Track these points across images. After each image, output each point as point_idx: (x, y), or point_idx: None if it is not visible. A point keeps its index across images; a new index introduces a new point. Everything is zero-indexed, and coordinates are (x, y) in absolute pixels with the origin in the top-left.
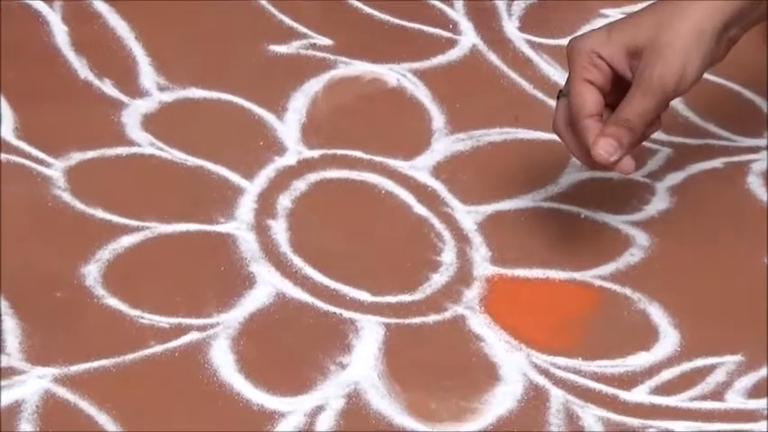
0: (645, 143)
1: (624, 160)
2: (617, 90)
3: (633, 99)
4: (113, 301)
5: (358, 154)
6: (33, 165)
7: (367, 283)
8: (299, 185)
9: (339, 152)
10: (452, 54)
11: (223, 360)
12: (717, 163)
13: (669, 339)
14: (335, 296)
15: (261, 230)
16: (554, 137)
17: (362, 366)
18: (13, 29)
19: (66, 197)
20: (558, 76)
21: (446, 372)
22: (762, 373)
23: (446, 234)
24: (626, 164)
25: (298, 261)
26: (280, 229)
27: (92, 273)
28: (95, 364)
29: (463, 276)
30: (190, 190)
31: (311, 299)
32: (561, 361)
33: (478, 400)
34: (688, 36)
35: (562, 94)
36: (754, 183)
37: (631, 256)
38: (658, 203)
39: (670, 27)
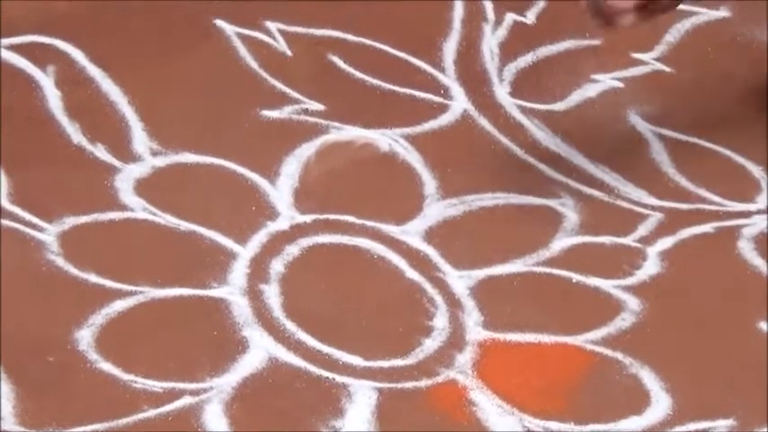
0: (636, 207)
1: (627, 16)
2: None
3: None
4: (106, 366)
5: (350, 219)
6: (27, 229)
7: (359, 347)
8: (292, 250)
9: (332, 217)
10: (444, 119)
11: (216, 424)
12: (708, 227)
13: (661, 404)
14: (328, 361)
15: (254, 295)
16: (546, 202)
17: (355, 430)
18: (6, 94)
19: (60, 262)
20: (549, 141)
21: None
22: None
23: (438, 299)
24: (627, 19)
25: (290, 326)
26: (273, 294)
27: (85, 337)
28: (89, 428)
29: (456, 341)
30: (183, 255)
31: (304, 363)
32: (554, 425)
33: None
34: None
35: None
36: (745, 247)
37: (623, 321)
38: (650, 268)
39: None
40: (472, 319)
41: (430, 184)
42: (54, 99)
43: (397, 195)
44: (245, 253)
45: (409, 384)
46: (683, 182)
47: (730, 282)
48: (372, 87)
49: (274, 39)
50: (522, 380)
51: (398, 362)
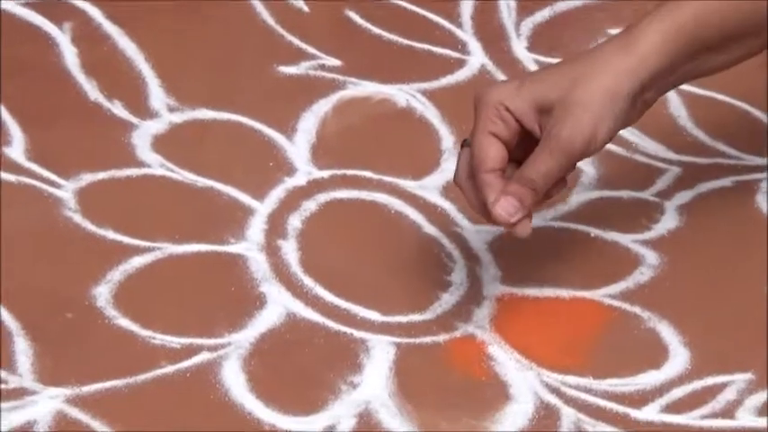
0: (654, 162)
1: (522, 223)
2: (524, 145)
3: (539, 158)
4: (125, 322)
5: (368, 174)
6: (44, 186)
7: (377, 302)
8: (310, 206)
9: (349, 172)
10: (461, 74)
11: (234, 380)
12: (726, 182)
13: (679, 358)
14: (346, 316)
15: (271, 251)
16: None
17: (373, 386)
18: (23, 51)
19: (77, 218)
20: None
21: (457, 391)
22: None
23: (456, 254)
24: (523, 227)
25: (308, 281)
26: (290, 250)
27: (103, 294)
28: (107, 384)
29: (473, 296)
30: (200, 211)
31: (322, 319)
32: (572, 380)
33: (489, 420)
34: (601, 96)
35: (466, 143)
36: (763, 201)
37: (641, 275)
38: (668, 222)
39: (583, 86)
40: (490, 273)
41: (447, 139)
42: (71, 56)
43: (414, 150)
44: (262, 209)
45: (427, 339)
46: (702, 136)
47: (748, 235)
48: (389, 43)
49: None
50: (539, 334)
51: (416, 317)
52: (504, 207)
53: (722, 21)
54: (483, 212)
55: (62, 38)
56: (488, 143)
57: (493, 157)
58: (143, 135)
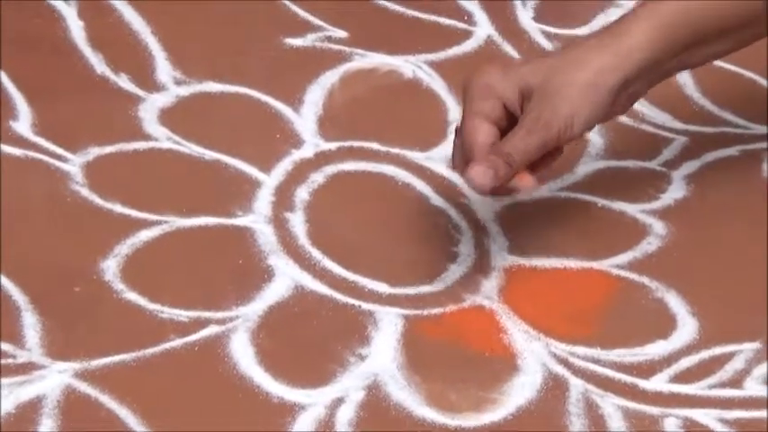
0: (660, 131)
1: (524, 177)
2: (512, 128)
3: (517, 135)
4: (133, 296)
5: (375, 146)
6: (51, 160)
7: (385, 274)
8: (317, 178)
9: (356, 144)
10: (468, 45)
11: (243, 353)
12: (733, 151)
13: (687, 327)
14: (354, 288)
15: (279, 223)
16: None
17: (382, 358)
18: (29, 24)
19: (85, 192)
20: None
21: (465, 363)
22: None
23: (463, 225)
24: (527, 180)
25: (316, 253)
26: (298, 222)
27: (111, 267)
28: (116, 358)
29: (481, 267)
30: (207, 184)
31: (330, 291)
32: (580, 350)
33: (498, 391)
34: (580, 86)
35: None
36: None
37: (648, 245)
38: (675, 192)
39: (564, 74)
40: (497, 244)
41: (454, 110)
42: (77, 29)
43: (421, 122)
44: (269, 181)
45: (435, 311)
46: (708, 105)
47: (755, 204)
48: (395, 14)
49: None
50: (548, 305)
51: (424, 288)
52: (478, 172)
53: (714, 14)
54: (485, 194)
55: (68, 11)
56: (478, 124)
57: (482, 139)
58: (150, 108)
